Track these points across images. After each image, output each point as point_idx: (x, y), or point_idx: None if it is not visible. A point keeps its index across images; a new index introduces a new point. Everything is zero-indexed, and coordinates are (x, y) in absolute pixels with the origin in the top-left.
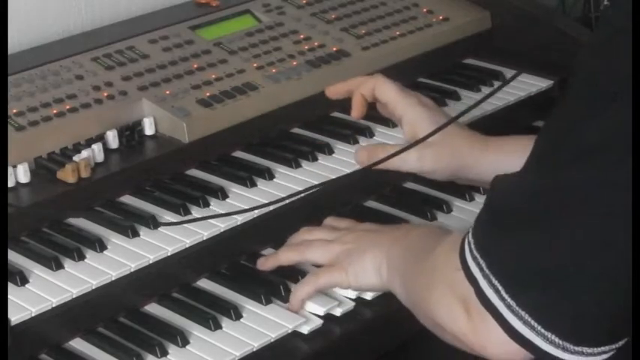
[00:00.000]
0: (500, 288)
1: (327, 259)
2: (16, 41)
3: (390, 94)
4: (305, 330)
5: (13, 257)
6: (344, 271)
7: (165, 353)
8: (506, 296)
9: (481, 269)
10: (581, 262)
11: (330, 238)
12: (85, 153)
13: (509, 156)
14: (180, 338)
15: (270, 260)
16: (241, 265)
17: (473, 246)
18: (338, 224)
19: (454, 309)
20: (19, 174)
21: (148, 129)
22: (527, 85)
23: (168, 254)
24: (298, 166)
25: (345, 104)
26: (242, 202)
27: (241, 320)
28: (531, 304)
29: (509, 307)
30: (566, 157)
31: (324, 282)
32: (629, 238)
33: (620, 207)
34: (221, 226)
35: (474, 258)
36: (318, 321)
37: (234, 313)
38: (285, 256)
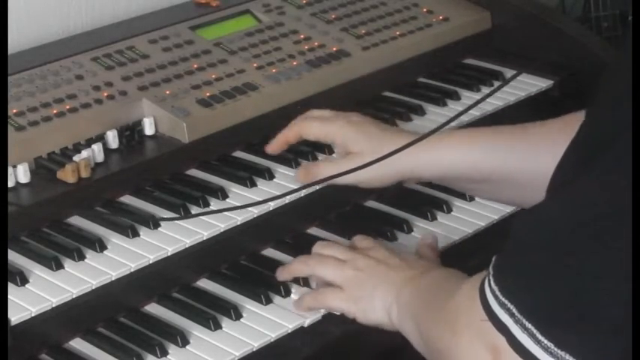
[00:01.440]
0: (535, 331)
1: (336, 280)
2: (16, 41)
3: (313, 130)
4: (305, 323)
5: (13, 257)
6: (353, 304)
7: (165, 353)
8: (542, 339)
9: (512, 315)
10: (615, 291)
11: (343, 257)
12: (85, 153)
13: (447, 151)
14: (180, 338)
15: (284, 272)
16: (241, 265)
17: (499, 292)
18: (359, 244)
19: (481, 356)
20: (19, 174)
21: (148, 129)
22: (527, 85)
23: (168, 254)
24: (298, 165)
25: (345, 104)
26: (242, 202)
27: (241, 320)
28: (571, 343)
29: (546, 349)
30: (587, 183)
31: (331, 307)
32: None
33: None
34: (221, 226)
35: (502, 304)
36: (318, 314)
37: (234, 313)
38: (298, 268)
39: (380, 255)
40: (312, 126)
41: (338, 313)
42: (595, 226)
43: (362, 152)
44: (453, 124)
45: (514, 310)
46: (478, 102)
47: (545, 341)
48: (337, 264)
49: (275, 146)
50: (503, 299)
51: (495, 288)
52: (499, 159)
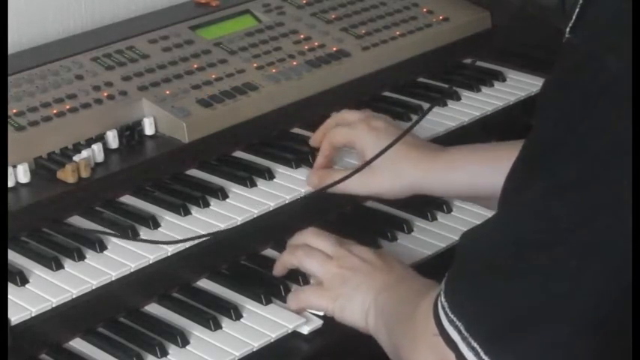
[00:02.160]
0: (479, 350)
1: (321, 275)
2: (16, 41)
3: (341, 139)
4: (305, 330)
5: (13, 257)
6: (331, 301)
7: (165, 353)
8: (485, 358)
9: (459, 332)
10: (556, 308)
11: (330, 252)
12: (85, 153)
13: (458, 171)
14: (180, 338)
15: (278, 267)
16: (241, 265)
17: (448, 309)
18: (344, 241)
19: None
20: (19, 174)
21: (148, 129)
22: (527, 85)
23: (168, 254)
24: (298, 166)
25: (345, 104)
26: (242, 202)
27: (241, 320)
28: None
29: None
30: (536, 197)
31: (312, 305)
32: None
33: (596, 250)
34: (221, 226)
35: (451, 321)
36: (318, 321)
37: (234, 313)
38: (288, 260)
39: (365, 255)
40: (339, 133)
41: (321, 313)
42: (535, 242)
43: (377, 167)
44: (452, 124)
45: (461, 328)
46: (415, 122)
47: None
48: (323, 259)
49: (321, 167)
50: (452, 316)
51: (445, 304)
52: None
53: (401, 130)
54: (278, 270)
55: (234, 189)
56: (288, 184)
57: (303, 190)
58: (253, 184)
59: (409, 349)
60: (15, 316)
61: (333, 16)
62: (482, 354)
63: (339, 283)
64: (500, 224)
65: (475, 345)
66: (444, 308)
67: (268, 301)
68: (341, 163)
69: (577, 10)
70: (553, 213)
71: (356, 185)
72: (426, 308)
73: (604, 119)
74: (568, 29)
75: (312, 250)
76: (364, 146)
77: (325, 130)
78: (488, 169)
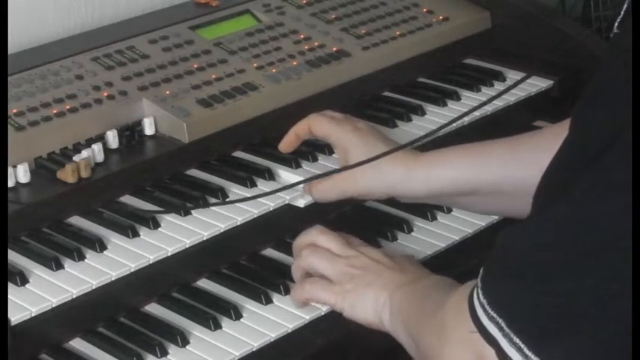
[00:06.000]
0: (522, 346)
1: (329, 272)
2: (16, 41)
3: (323, 127)
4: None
5: (13, 257)
6: (342, 297)
7: (165, 353)
8: (529, 353)
9: (501, 328)
10: (603, 307)
11: (338, 252)
12: (85, 153)
13: (439, 166)
14: (180, 338)
15: (293, 271)
16: (241, 265)
17: (487, 306)
18: (354, 240)
19: None
20: (19, 174)
21: (148, 129)
22: (527, 85)
23: (168, 254)
24: (298, 166)
25: (345, 104)
26: (242, 203)
27: (241, 320)
28: (557, 358)
29: None
30: (579, 197)
31: (319, 298)
32: None
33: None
34: (221, 226)
35: (491, 318)
36: (320, 309)
37: (234, 313)
38: (296, 263)
39: (375, 255)
40: (322, 122)
41: (325, 308)
42: (583, 244)
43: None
44: (453, 125)
45: (503, 325)
46: (476, 107)
47: (533, 356)
48: (331, 257)
49: (287, 142)
50: (492, 313)
51: (484, 301)
52: (488, 172)
53: (383, 135)
54: (296, 276)
55: (234, 189)
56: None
57: (303, 190)
58: (253, 184)
59: (437, 347)
60: (15, 316)
61: (333, 16)
62: (525, 349)
63: (348, 279)
64: (540, 225)
65: (517, 341)
66: (482, 305)
67: (268, 301)
68: (326, 169)
69: (625, 4)
70: (593, 218)
71: (334, 188)
72: (456, 305)
73: None
74: (616, 24)
75: (319, 249)
76: (349, 146)
77: (297, 131)
78: (469, 162)
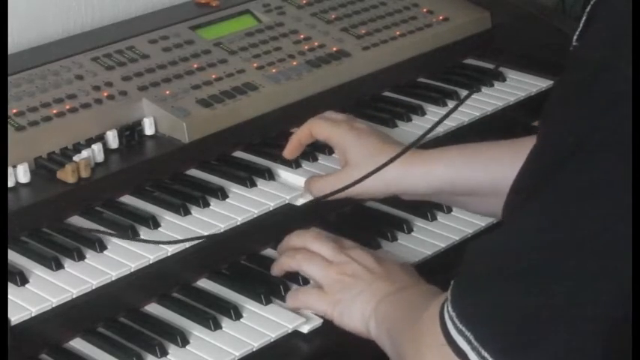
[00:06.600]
0: (489, 359)
1: (321, 280)
2: (16, 41)
3: (323, 130)
4: (305, 329)
5: (13, 257)
6: (332, 306)
7: (165, 353)
8: None
9: (469, 342)
10: (575, 317)
11: (330, 258)
12: (85, 153)
13: (437, 163)
14: (180, 338)
15: (276, 267)
16: (241, 265)
17: (456, 319)
18: (346, 243)
19: None
20: (19, 174)
21: (148, 129)
22: (527, 85)
23: (168, 254)
24: (298, 166)
25: (345, 104)
26: (242, 202)
27: (241, 320)
28: None
29: None
30: (539, 207)
31: (311, 307)
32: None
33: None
34: (221, 226)
35: (460, 331)
36: (317, 320)
37: (234, 313)
38: (286, 263)
39: (367, 262)
40: (322, 125)
41: (319, 315)
42: (546, 253)
43: (357, 164)
44: (452, 124)
45: (471, 338)
46: (433, 127)
47: None
48: (323, 264)
49: (290, 149)
50: (460, 326)
51: (453, 314)
52: (487, 173)
53: (382, 134)
54: (275, 271)
55: (234, 189)
56: (288, 185)
57: (303, 190)
58: (253, 184)
59: (412, 357)
60: (15, 316)
61: (333, 16)
62: None
63: (339, 288)
64: (507, 233)
65: (485, 354)
66: (451, 318)
67: (268, 301)
68: (326, 169)
69: (584, 18)
70: (562, 222)
71: (336, 186)
72: (431, 317)
73: (616, 128)
74: (575, 37)
75: (311, 255)
76: (346, 146)
77: (299, 138)
78: (467, 161)
